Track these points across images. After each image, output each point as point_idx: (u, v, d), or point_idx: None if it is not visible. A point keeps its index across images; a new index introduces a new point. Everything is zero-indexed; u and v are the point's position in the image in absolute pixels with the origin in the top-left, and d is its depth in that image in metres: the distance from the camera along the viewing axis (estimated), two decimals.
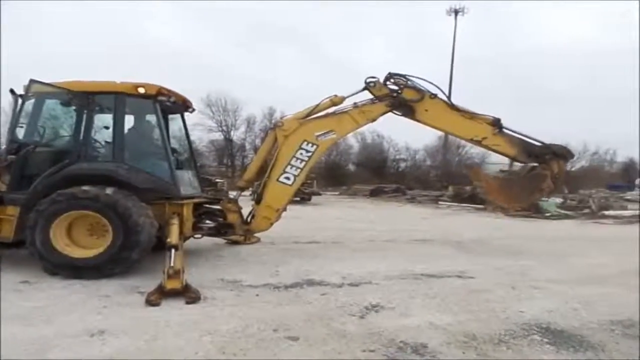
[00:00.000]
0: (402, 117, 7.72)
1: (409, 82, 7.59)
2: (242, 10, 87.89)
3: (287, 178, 7.41)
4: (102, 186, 6.03)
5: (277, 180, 7.42)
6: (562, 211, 20.06)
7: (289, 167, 7.40)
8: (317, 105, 7.56)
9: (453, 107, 7.66)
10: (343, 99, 7.63)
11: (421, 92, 7.51)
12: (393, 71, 7.68)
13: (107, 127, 6.74)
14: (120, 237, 5.89)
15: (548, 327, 4.46)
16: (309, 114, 7.55)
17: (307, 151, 7.43)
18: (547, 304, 5.31)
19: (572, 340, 4.12)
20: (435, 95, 7.53)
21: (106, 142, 6.81)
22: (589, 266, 7.95)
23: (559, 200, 23.17)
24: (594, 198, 23.62)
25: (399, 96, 7.51)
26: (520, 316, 4.81)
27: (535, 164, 7.74)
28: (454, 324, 4.47)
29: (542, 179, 7.56)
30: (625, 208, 22.37)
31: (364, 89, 7.62)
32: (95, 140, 6.83)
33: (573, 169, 52.68)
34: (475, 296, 5.60)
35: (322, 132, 7.48)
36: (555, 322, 4.61)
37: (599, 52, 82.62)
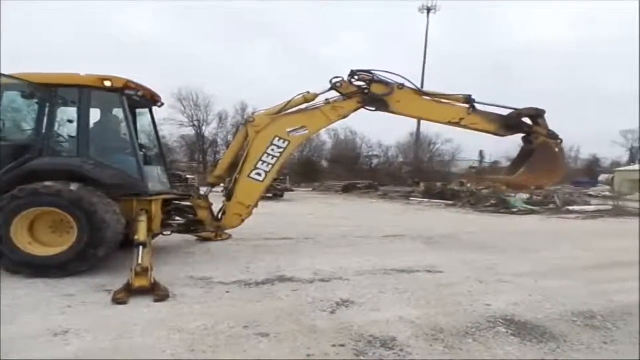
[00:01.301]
0: (375, 113, 7.72)
1: (375, 77, 7.59)
2: (216, 3, 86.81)
3: (259, 174, 7.36)
4: (65, 182, 5.85)
5: (248, 176, 7.36)
6: (529, 206, 20.62)
7: (260, 163, 7.34)
8: (290, 101, 7.52)
9: (423, 92, 7.72)
10: (316, 95, 7.60)
11: (389, 85, 7.53)
12: (355, 68, 7.64)
13: (71, 121, 6.53)
14: (85, 235, 5.73)
15: (513, 320, 4.58)
16: (281, 110, 7.50)
17: (279, 147, 7.38)
18: (513, 297, 5.45)
19: (536, 332, 4.24)
20: (403, 86, 7.56)
21: (70, 136, 6.60)
22: (552, 260, 8.19)
23: (525, 196, 23.80)
24: (559, 194, 24.34)
25: (370, 92, 7.52)
26: (487, 309, 4.92)
27: (528, 138, 7.86)
28: (422, 318, 4.54)
29: (550, 150, 7.64)
30: (588, 203, 23.17)
31: (331, 89, 7.59)
32: (59, 135, 6.61)
33: None
34: (443, 290, 5.70)
35: (294, 128, 7.44)
36: (520, 315, 4.74)
37: (567, 52, 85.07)
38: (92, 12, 76.67)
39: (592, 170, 57.65)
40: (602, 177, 49.14)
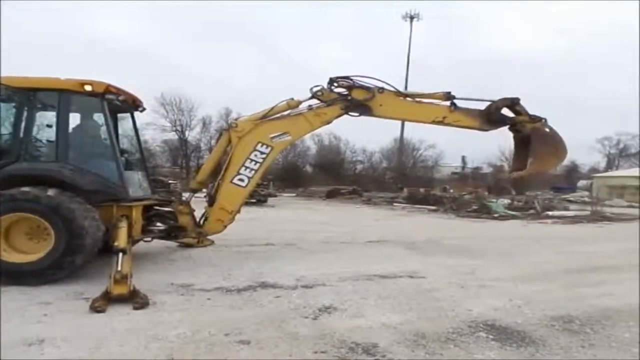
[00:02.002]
0: (358, 118, 7.73)
1: (355, 83, 7.60)
2: (199, 8, 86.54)
3: (241, 180, 7.32)
4: (43, 187, 5.74)
5: (231, 181, 7.32)
6: (510, 212, 20.92)
7: (243, 168, 7.31)
8: (273, 107, 7.51)
9: (402, 94, 7.77)
10: (299, 102, 7.60)
11: (370, 90, 7.56)
12: (334, 75, 7.65)
13: (49, 126, 6.42)
14: (63, 241, 5.62)
15: (493, 324, 4.62)
16: (264, 116, 7.48)
17: (262, 153, 7.36)
18: (493, 301, 5.51)
19: (515, 336, 4.28)
20: (383, 89, 7.59)
21: (49, 141, 6.48)
22: (532, 264, 8.31)
23: (506, 201, 24.16)
24: (539, 199, 24.76)
25: (353, 99, 7.55)
26: (468, 314, 4.95)
27: (514, 128, 7.88)
28: (404, 324, 4.55)
29: (543, 133, 7.65)
30: (567, 209, 23.61)
31: (312, 97, 7.59)
32: (37, 139, 6.49)
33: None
34: (425, 296, 5.73)
35: (277, 134, 7.43)
36: (500, 319, 4.79)
37: (546, 61, 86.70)
38: (71, 14, 75.70)
39: (571, 176, 58.75)
40: (581, 183, 50.11)
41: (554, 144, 7.77)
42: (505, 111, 7.90)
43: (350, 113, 7.70)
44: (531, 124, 7.68)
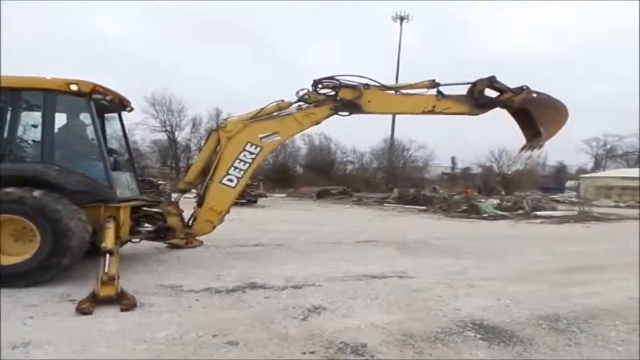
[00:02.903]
0: (348, 118, 7.69)
1: (341, 83, 7.52)
2: (189, 8, 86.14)
3: (230, 180, 7.28)
4: (28, 188, 5.67)
5: (220, 182, 7.27)
6: (499, 212, 21.08)
7: (232, 169, 7.26)
8: (263, 108, 7.47)
9: (387, 87, 7.74)
10: (290, 104, 7.56)
11: (356, 88, 7.52)
12: (317, 77, 7.56)
13: (35, 126, 6.35)
14: (49, 243, 5.55)
15: (482, 324, 4.65)
16: (254, 117, 7.45)
17: (251, 153, 7.32)
18: (482, 301, 5.54)
19: (503, 336, 4.32)
20: (368, 86, 7.53)
21: (35, 141, 6.40)
22: (521, 264, 8.38)
23: (495, 201, 24.35)
24: (528, 199, 24.99)
25: (342, 99, 7.53)
26: (457, 314, 4.98)
27: (505, 105, 7.79)
28: (393, 324, 4.56)
29: (535, 100, 7.57)
30: (555, 209, 23.84)
31: (299, 100, 7.54)
32: (22, 140, 6.41)
33: (509, 172, 55.81)
34: (414, 295, 5.75)
35: (266, 134, 7.39)
36: (488, 319, 4.82)
37: (536, 63, 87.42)
38: (61, 13, 74.96)
39: (559, 176, 59.40)
40: (569, 184, 50.66)
41: (553, 105, 7.68)
42: (489, 92, 7.79)
43: (339, 113, 7.68)
44: (517, 96, 7.61)
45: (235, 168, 7.25)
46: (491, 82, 7.67)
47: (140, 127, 45.88)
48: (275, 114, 7.52)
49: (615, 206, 31.70)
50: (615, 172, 47.39)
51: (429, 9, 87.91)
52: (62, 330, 4.10)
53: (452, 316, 4.88)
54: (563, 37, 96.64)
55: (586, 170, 58.26)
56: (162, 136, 50.91)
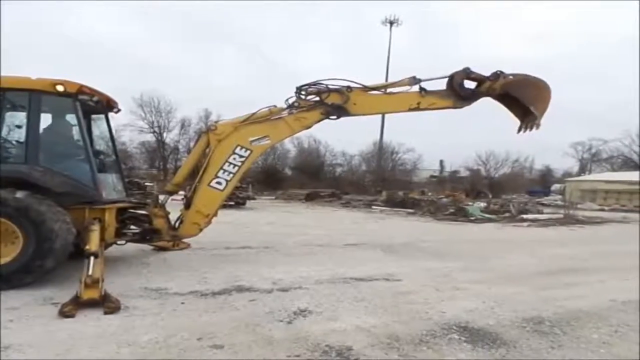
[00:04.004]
0: (337, 121, 7.69)
1: (328, 87, 7.51)
2: (177, 7, 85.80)
3: (219, 183, 7.25)
4: (11, 189, 5.59)
5: (208, 185, 7.24)
6: (486, 215, 21.25)
7: (221, 171, 7.24)
8: (254, 113, 7.46)
9: (370, 87, 7.74)
10: (282, 109, 7.56)
11: (341, 92, 7.51)
12: (299, 84, 7.58)
13: (19, 126, 6.26)
14: (32, 245, 5.48)
15: (466, 326, 4.68)
16: (245, 121, 7.44)
17: (241, 156, 7.30)
18: (467, 303, 5.58)
19: (487, 338, 4.35)
20: (350, 88, 7.53)
21: (19, 142, 6.32)
22: (506, 266, 8.46)
23: (483, 204, 24.55)
24: (514, 202, 25.23)
25: (333, 103, 7.53)
26: (442, 316, 5.01)
27: (489, 94, 7.81)
28: (379, 326, 4.57)
29: (514, 83, 7.59)
30: (541, 212, 24.09)
31: (289, 108, 7.51)
32: (6, 140, 6.33)
33: (496, 176, 56.36)
34: (400, 298, 5.77)
35: (257, 138, 7.38)
36: (473, 321, 4.85)
37: (525, 69, 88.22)
38: (48, 12, 74.16)
39: (545, 180, 60.07)
40: (555, 187, 51.25)
41: (533, 83, 7.70)
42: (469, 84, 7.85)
43: (329, 117, 7.68)
44: (496, 83, 7.63)
45: (225, 171, 7.22)
46: (467, 73, 7.72)
47: (128, 129, 45.51)
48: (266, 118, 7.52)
49: (600, 209, 32.14)
50: (600, 176, 48.11)
51: (419, 12, 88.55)
52: (43, 334, 4.05)
53: (437, 319, 4.91)
54: (552, 43, 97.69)
55: (572, 173, 59.00)
56: (150, 137, 50.55)
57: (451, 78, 7.67)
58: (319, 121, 7.64)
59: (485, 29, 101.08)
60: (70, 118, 6.77)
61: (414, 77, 7.60)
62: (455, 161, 58.79)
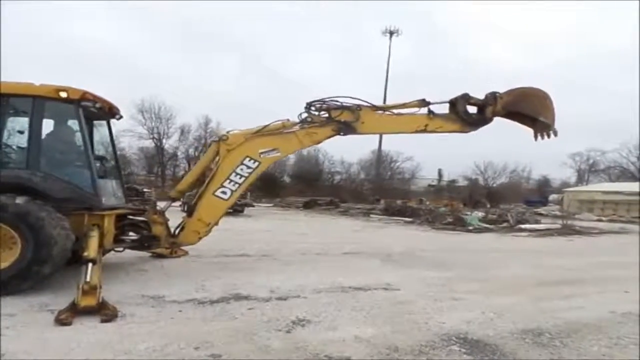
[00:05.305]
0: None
1: (342, 104, 7.55)
2: (179, 18, 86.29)
3: (224, 192, 7.22)
4: (11, 195, 5.57)
5: (213, 193, 7.21)
6: (484, 224, 21.25)
7: (228, 181, 7.22)
8: (267, 125, 7.48)
9: (379, 107, 7.80)
10: (295, 124, 7.60)
11: (352, 110, 7.56)
12: (309, 100, 7.62)
13: (21, 132, 6.26)
14: (30, 251, 5.45)
15: (466, 337, 4.65)
16: (257, 132, 7.45)
17: (248, 167, 7.29)
18: (466, 314, 5.55)
19: (487, 350, 4.32)
20: (360, 107, 7.59)
21: (20, 147, 6.31)
22: (505, 277, 8.44)
23: (481, 214, 24.55)
24: (512, 212, 25.23)
25: (345, 121, 7.57)
26: (441, 327, 4.98)
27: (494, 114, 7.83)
28: (378, 336, 4.54)
29: (514, 99, 7.68)
30: (539, 222, 24.10)
31: (301, 122, 7.54)
32: (7, 145, 6.32)
33: (494, 185, 56.46)
34: (399, 308, 5.74)
35: (266, 150, 7.39)
36: (472, 332, 4.83)
37: (521, 79, 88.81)
38: (51, 18, 74.47)
39: (542, 190, 60.15)
40: (552, 197, 51.30)
41: (531, 95, 7.78)
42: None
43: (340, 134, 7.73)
44: (497, 106, 7.70)
45: (231, 181, 7.22)
46: (466, 99, 7.79)
47: (127, 134, 45.48)
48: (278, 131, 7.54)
49: (598, 220, 32.17)
50: (598, 187, 48.20)
51: (420, 22, 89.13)
52: (39, 341, 4.01)
53: (437, 329, 4.88)
54: (550, 54, 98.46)
55: (569, 184, 59.09)
56: (150, 143, 50.52)
57: (453, 105, 7.76)
58: (329, 137, 7.71)
59: (484, 38, 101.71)
60: (72, 124, 6.77)
61: (423, 100, 7.67)
62: (454, 170, 58.90)
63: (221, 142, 7.37)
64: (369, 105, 7.67)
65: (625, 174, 56.69)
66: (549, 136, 7.92)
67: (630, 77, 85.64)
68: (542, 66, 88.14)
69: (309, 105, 7.60)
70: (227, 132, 7.58)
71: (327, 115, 7.57)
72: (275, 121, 7.53)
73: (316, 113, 7.59)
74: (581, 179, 62.72)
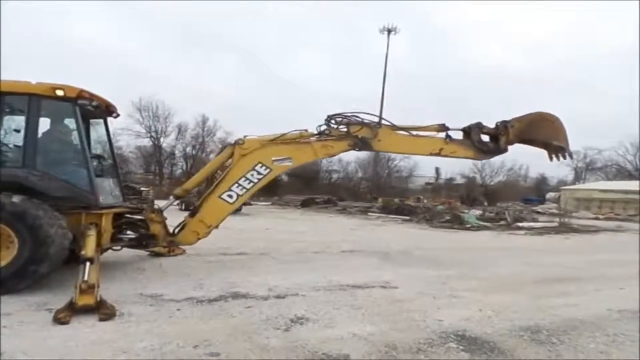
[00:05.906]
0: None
1: (354, 119, 7.61)
2: (178, 17, 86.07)
3: (230, 196, 7.21)
4: (8, 193, 5.55)
5: (219, 196, 7.20)
6: (481, 222, 21.29)
7: (236, 185, 7.20)
8: (285, 134, 7.48)
9: (399, 127, 7.83)
10: (312, 135, 7.64)
11: (371, 127, 7.60)
12: (330, 113, 7.71)
13: (17, 130, 6.23)
14: (27, 250, 5.44)
15: (464, 335, 4.67)
16: (273, 140, 7.45)
17: (259, 173, 7.27)
18: (464, 312, 5.57)
19: (485, 347, 4.34)
20: (379, 124, 7.69)
21: (17, 146, 6.29)
22: (502, 275, 8.45)
23: (478, 212, 24.61)
24: (510, 210, 25.29)
25: (363, 137, 7.58)
26: (439, 325, 4.99)
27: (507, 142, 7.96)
28: (376, 334, 4.55)
29: (524, 128, 7.83)
30: (536, 220, 24.17)
31: (319, 134, 7.58)
32: (4, 144, 6.29)
33: (492, 184, 56.53)
34: (397, 306, 5.75)
35: (280, 158, 7.40)
36: (470, 330, 4.84)
37: (520, 78, 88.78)
38: (49, 17, 74.18)
39: (540, 188, 60.25)
40: (550, 195, 51.40)
41: (542, 120, 7.90)
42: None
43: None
44: (510, 134, 7.85)
45: (239, 185, 7.22)
46: (480, 128, 7.94)
47: (125, 133, 45.35)
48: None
49: (595, 218, 32.26)
50: (595, 185, 48.31)
51: (420, 22, 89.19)
52: (37, 340, 4.01)
53: (435, 327, 4.89)
54: (545, 54, 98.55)
55: (566, 182, 59.18)
56: (147, 142, 50.39)
57: (467, 134, 7.89)
58: (344, 151, 7.79)
59: (484, 38, 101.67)
60: (69, 122, 6.75)
61: (443, 125, 7.80)
62: (451, 169, 58.90)
63: (237, 146, 7.37)
64: (389, 124, 7.71)
65: (622, 172, 56.83)
66: (564, 157, 8.11)
67: (630, 77, 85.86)
68: (542, 66, 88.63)
69: (329, 118, 7.65)
70: (244, 136, 7.57)
71: (345, 129, 7.59)
72: (293, 130, 7.56)
73: (335, 126, 7.62)
74: (578, 177, 62.84)
